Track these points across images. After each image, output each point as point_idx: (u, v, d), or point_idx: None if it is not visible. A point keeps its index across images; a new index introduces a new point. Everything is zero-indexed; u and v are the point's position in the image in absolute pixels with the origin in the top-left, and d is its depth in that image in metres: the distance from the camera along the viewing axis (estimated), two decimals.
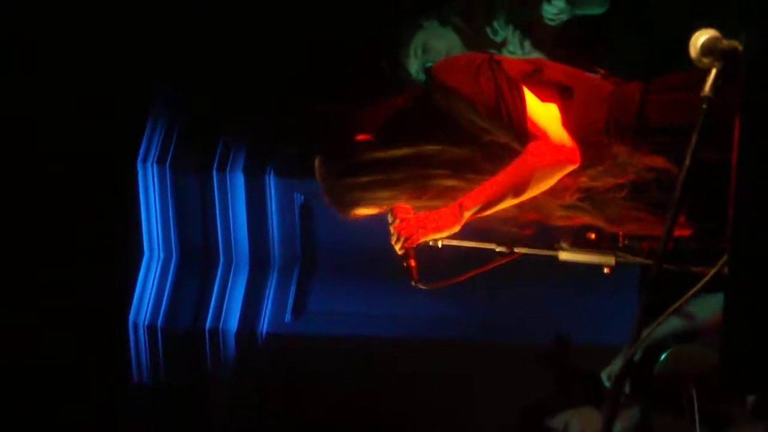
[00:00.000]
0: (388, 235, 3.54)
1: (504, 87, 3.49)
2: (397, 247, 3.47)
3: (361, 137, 3.63)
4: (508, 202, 3.46)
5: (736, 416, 4.36)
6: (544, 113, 3.51)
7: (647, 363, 4.62)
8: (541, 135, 3.46)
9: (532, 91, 3.52)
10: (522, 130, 3.47)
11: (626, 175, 3.49)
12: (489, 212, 3.48)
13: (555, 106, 3.53)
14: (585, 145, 3.48)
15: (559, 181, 3.49)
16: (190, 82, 6.32)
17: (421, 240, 3.47)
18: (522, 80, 3.52)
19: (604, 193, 3.54)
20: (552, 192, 3.52)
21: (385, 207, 3.58)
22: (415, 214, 3.50)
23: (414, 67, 5.11)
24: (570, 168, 3.45)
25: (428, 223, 3.46)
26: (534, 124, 3.48)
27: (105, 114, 6.17)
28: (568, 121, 3.50)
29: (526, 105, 3.49)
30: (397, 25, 5.18)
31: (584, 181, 3.52)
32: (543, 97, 3.53)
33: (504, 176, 3.45)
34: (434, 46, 5.11)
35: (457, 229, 3.48)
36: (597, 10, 5.26)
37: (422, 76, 5.12)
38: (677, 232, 3.09)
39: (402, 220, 3.47)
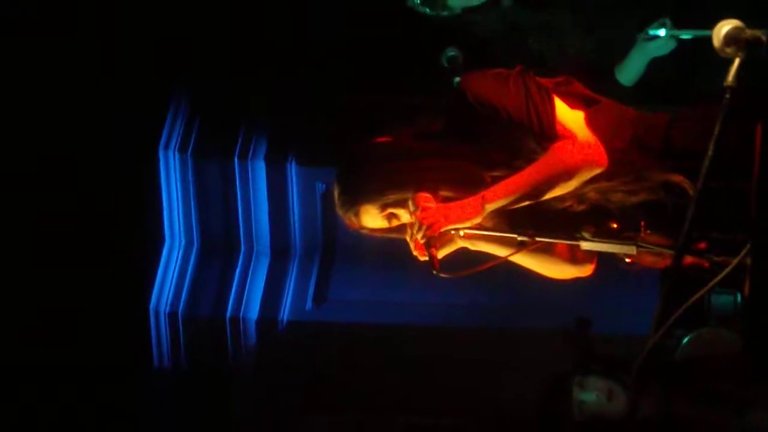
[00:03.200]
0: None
1: (533, 90, 3.51)
2: (418, 236, 3.46)
3: (381, 140, 3.65)
4: (531, 200, 3.46)
5: (757, 400, 4.37)
6: (571, 116, 3.52)
7: (669, 348, 4.64)
8: (569, 135, 3.47)
9: (561, 99, 3.54)
10: (550, 131, 3.47)
11: (639, 194, 3.50)
12: (510, 207, 3.48)
13: (582, 113, 3.55)
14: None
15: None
16: (212, 70, 6.33)
17: (443, 229, 3.47)
18: (551, 88, 3.55)
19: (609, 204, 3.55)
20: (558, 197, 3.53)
21: (391, 209, 3.56)
22: (436, 203, 3.50)
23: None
24: (596, 170, 3.44)
25: (450, 213, 3.46)
26: (562, 126, 3.49)
27: (127, 101, 6.19)
28: (593, 131, 3.51)
29: (555, 107, 3.50)
30: None
31: (591, 191, 3.52)
32: (571, 105, 3.55)
33: (529, 173, 3.44)
34: None
35: (478, 220, 3.48)
36: None
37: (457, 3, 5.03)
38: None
39: (424, 209, 3.46)
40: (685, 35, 4.83)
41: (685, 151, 3.44)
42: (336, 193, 3.61)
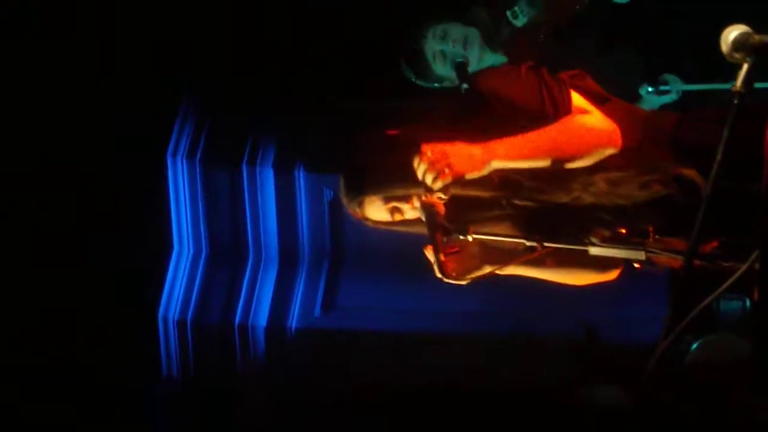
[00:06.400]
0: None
1: (548, 78, 3.49)
2: (434, 186, 3.33)
3: (391, 132, 3.62)
4: (540, 164, 3.38)
5: (765, 407, 4.35)
6: (586, 104, 3.50)
7: (678, 354, 4.63)
8: (588, 111, 3.45)
9: (575, 92, 3.53)
10: (566, 113, 3.45)
11: (649, 187, 3.48)
12: (516, 168, 3.40)
13: (595, 108, 3.54)
14: None
15: (571, 172, 3.46)
16: (220, 76, 6.34)
17: (450, 180, 3.35)
18: (566, 81, 3.54)
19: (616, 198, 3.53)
20: (564, 185, 3.49)
21: (395, 203, 3.53)
22: (443, 144, 3.37)
23: (439, 66, 5.06)
24: (610, 150, 3.41)
25: (455, 160, 3.32)
26: (578, 108, 3.46)
27: (135, 108, 6.19)
28: None
29: (570, 93, 3.48)
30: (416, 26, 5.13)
31: (600, 180, 3.50)
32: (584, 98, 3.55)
33: (544, 133, 3.39)
34: (451, 33, 5.04)
35: (479, 174, 3.37)
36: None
37: (451, 74, 5.08)
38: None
39: (432, 151, 3.34)
40: (693, 88, 4.88)
41: (694, 149, 3.43)
42: (342, 182, 3.58)
